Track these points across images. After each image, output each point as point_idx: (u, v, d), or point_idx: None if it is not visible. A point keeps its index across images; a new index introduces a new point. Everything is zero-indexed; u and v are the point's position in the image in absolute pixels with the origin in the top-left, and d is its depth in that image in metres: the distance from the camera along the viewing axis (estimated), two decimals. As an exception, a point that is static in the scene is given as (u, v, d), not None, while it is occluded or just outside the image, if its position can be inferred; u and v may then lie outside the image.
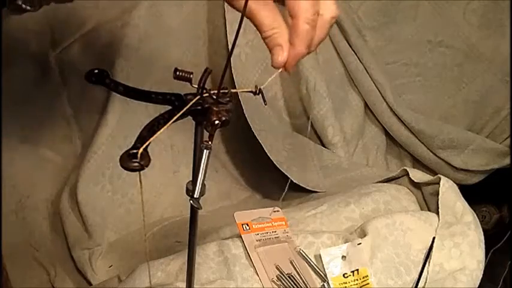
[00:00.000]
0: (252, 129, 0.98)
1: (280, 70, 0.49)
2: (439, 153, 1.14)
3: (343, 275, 0.70)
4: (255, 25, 0.48)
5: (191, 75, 0.44)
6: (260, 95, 0.48)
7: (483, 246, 0.75)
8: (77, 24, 0.93)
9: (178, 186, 1.01)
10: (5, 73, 0.88)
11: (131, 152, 0.38)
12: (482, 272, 0.74)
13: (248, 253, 0.70)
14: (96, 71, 0.47)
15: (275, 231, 0.73)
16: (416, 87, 1.19)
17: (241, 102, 0.97)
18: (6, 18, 0.90)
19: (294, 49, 0.47)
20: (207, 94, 0.44)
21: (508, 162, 1.13)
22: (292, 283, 0.68)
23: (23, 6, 0.47)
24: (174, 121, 0.42)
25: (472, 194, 0.87)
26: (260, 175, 1.10)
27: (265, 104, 0.49)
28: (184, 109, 0.43)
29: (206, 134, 0.45)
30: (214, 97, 0.44)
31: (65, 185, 0.96)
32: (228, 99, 0.44)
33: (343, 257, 0.70)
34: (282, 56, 0.47)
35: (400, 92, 1.16)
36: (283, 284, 0.68)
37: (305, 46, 0.47)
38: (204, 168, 0.44)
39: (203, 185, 0.45)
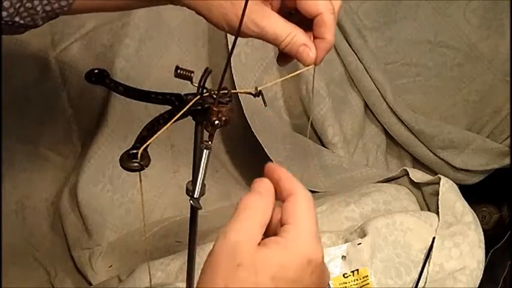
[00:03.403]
0: (252, 129, 0.98)
1: (282, 79, 0.49)
2: (439, 153, 1.14)
3: (343, 275, 0.70)
4: (271, 40, 0.48)
5: (192, 74, 0.44)
6: (260, 96, 0.48)
7: (483, 246, 0.75)
8: (77, 24, 0.93)
9: (178, 186, 1.02)
10: (5, 73, 0.88)
11: (131, 152, 0.38)
12: (482, 272, 0.74)
13: (248, 253, 0.70)
14: (96, 71, 0.47)
15: (275, 231, 0.73)
16: (416, 87, 1.19)
17: (241, 103, 0.97)
18: None
19: (325, 41, 0.48)
20: (207, 94, 0.45)
21: (508, 162, 1.13)
22: (292, 283, 0.68)
23: (21, 22, 0.48)
24: (174, 121, 0.42)
25: (472, 194, 0.87)
26: (260, 175, 1.10)
27: (265, 105, 0.50)
28: (184, 109, 0.43)
29: (206, 134, 0.45)
30: (214, 97, 0.44)
31: (65, 185, 0.96)
32: (228, 99, 0.44)
33: (343, 257, 0.70)
34: (312, 52, 0.48)
35: (400, 92, 1.16)
36: (283, 284, 0.68)
37: (333, 35, 0.48)
38: (204, 168, 0.44)
39: (203, 185, 0.45)
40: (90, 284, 0.90)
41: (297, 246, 0.39)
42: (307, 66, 0.49)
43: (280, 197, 0.43)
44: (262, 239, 0.40)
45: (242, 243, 0.39)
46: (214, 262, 0.39)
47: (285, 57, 0.51)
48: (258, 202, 0.41)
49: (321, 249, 0.40)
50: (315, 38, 0.48)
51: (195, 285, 0.58)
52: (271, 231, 0.42)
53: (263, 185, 0.43)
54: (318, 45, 0.48)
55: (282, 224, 0.41)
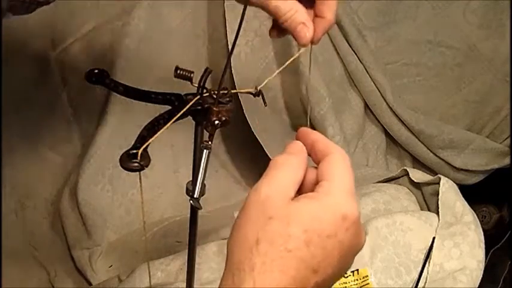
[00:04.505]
0: (252, 129, 0.98)
1: (280, 69, 0.49)
2: (439, 153, 1.14)
3: (343, 275, 0.70)
4: (271, 13, 0.47)
5: (192, 74, 0.44)
6: (260, 96, 0.48)
7: (483, 246, 0.75)
8: (77, 24, 0.93)
9: (178, 186, 1.02)
10: (5, 73, 0.88)
11: (131, 152, 0.38)
12: (482, 272, 0.74)
13: (248, 253, 0.70)
14: (96, 71, 0.47)
15: (275, 231, 0.73)
16: (416, 87, 1.19)
17: (241, 102, 0.97)
18: (6, 18, 0.90)
19: (325, 20, 0.48)
20: (207, 94, 0.45)
21: (508, 162, 1.13)
22: (292, 283, 0.68)
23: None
24: (174, 121, 0.42)
25: (472, 194, 0.87)
26: (260, 175, 1.10)
27: (265, 105, 0.50)
28: (184, 109, 0.43)
29: (206, 134, 0.45)
30: (214, 97, 0.44)
31: (65, 185, 0.96)
32: (228, 99, 0.44)
33: (343, 257, 0.70)
34: (309, 31, 0.47)
35: (400, 92, 1.16)
36: (283, 284, 0.68)
37: (334, 15, 0.48)
38: (204, 168, 0.44)
39: (203, 185, 0.45)
40: (90, 284, 0.90)
41: (330, 200, 0.38)
42: (303, 45, 0.48)
43: (315, 159, 0.42)
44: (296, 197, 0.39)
45: (274, 197, 0.38)
46: (245, 216, 0.38)
47: (279, 30, 0.50)
48: (290, 160, 0.41)
49: (356, 206, 0.38)
50: (315, 16, 0.48)
51: (194, 285, 0.59)
52: (306, 191, 0.41)
53: (295, 146, 0.43)
54: (317, 24, 0.48)
55: (316, 182, 0.40)
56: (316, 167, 0.42)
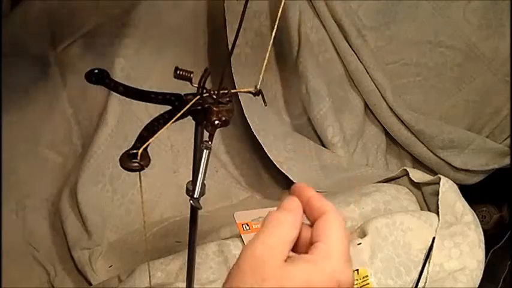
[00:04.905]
0: (252, 129, 0.98)
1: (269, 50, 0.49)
2: (439, 153, 1.14)
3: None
4: None
5: (191, 75, 0.44)
6: (260, 95, 0.48)
7: (483, 246, 0.75)
8: (77, 24, 0.93)
9: (178, 186, 1.02)
10: (5, 73, 0.88)
11: (131, 152, 0.38)
12: (482, 272, 0.74)
13: (248, 253, 0.70)
14: (96, 71, 0.47)
15: (275, 231, 0.73)
16: (416, 87, 1.19)
17: (241, 102, 0.97)
18: (6, 18, 0.90)
19: None
20: (207, 94, 0.45)
21: (508, 162, 1.13)
22: (292, 283, 0.68)
23: None
24: (174, 121, 0.42)
25: (472, 194, 0.87)
26: (260, 175, 1.10)
27: (265, 105, 0.49)
28: (184, 109, 0.43)
29: (206, 134, 0.45)
30: (214, 97, 0.44)
31: (65, 185, 0.96)
32: (228, 99, 0.44)
33: (343, 257, 0.70)
34: None
35: (400, 92, 1.16)
36: (283, 284, 0.67)
37: None
38: (204, 168, 0.44)
39: (203, 185, 0.45)
40: (90, 284, 0.90)
41: (326, 265, 0.38)
42: None
43: (310, 217, 0.42)
44: (290, 256, 0.39)
45: (268, 258, 0.38)
46: (239, 275, 0.38)
47: None
48: (286, 217, 0.41)
49: (351, 272, 0.39)
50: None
51: (194, 285, 0.59)
52: (299, 249, 0.41)
53: (291, 203, 0.42)
54: None
55: (312, 242, 0.40)
56: (310, 225, 0.42)
